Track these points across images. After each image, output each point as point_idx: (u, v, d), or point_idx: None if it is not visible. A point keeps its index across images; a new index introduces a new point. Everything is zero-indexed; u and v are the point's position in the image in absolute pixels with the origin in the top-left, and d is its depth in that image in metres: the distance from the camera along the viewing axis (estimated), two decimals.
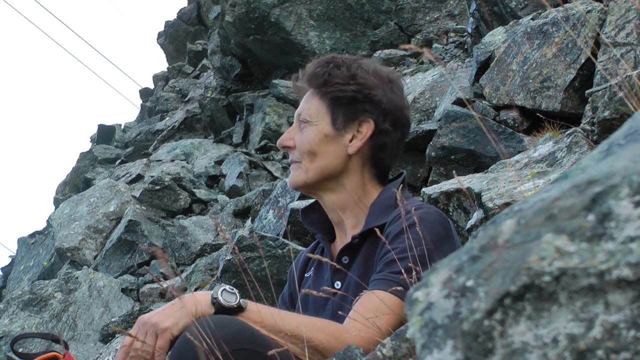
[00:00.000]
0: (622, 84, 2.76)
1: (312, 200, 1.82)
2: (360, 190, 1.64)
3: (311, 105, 1.63)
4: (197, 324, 1.26)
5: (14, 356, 1.50)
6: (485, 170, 3.36)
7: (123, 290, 7.01)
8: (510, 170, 3.02)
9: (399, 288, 1.43)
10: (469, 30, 6.85)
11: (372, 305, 1.42)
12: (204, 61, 14.96)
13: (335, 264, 1.38)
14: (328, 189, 1.66)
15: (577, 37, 4.10)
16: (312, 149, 1.61)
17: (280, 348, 1.25)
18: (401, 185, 1.63)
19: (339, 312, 1.49)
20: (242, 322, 1.38)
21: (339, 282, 1.61)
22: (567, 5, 4.45)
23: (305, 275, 1.74)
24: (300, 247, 4.03)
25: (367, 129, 1.61)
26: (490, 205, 2.69)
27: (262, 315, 1.37)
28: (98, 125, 15.26)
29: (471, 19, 6.60)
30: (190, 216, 8.13)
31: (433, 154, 4.76)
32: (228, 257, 4.16)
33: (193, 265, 6.67)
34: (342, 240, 1.68)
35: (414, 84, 7.30)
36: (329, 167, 1.62)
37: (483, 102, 4.84)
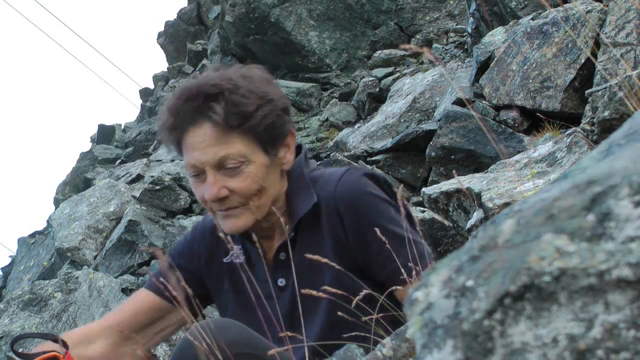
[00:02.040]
0: (622, 84, 2.76)
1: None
2: (280, 188, 1.57)
3: (234, 147, 1.45)
4: (198, 326, 1.25)
5: (14, 356, 1.50)
6: (485, 170, 3.36)
7: (123, 290, 7.01)
8: (510, 170, 3.02)
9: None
10: (469, 30, 6.85)
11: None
12: (204, 61, 14.95)
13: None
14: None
15: (577, 37, 4.10)
16: (260, 186, 1.49)
17: (281, 348, 1.25)
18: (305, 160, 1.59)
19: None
20: (242, 325, 1.37)
21: (282, 280, 1.57)
22: (567, 5, 4.45)
23: (225, 260, 1.64)
24: None
25: (291, 138, 1.54)
26: (490, 205, 2.69)
27: None
28: (98, 125, 15.26)
29: (471, 19, 6.60)
30: (191, 216, 8.14)
31: (433, 154, 4.76)
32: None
33: None
34: (268, 235, 1.59)
35: (414, 84, 7.31)
36: (275, 193, 1.53)
37: (483, 102, 4.84)
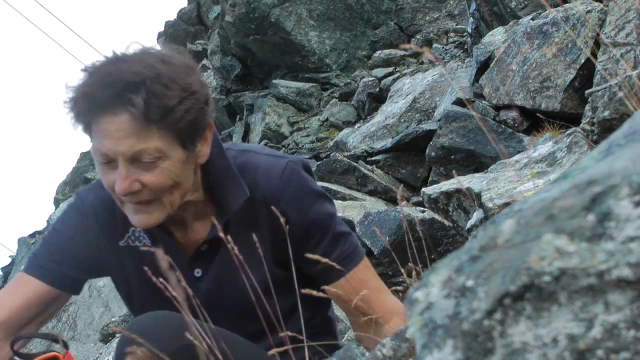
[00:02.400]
0: (622, 84, 2.76)
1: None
2: (193, 180, 1.49)
3: (152, 142, 1.36)
4: (133, 325, 1.24)
5: (14, 356, 1.49)
6: (485, 170, 3.36)
7: None
8: (510, 170, 3.02)
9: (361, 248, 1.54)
10: (469, 30, 6.85)
11: (360, 287, 1.49)
12: (204, 61, 14.95)
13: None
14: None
15: (577, 37, 4.10)
16: (174, 181, 1.41)
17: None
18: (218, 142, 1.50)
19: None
20: (181, 316, 1.37)
21: (199, 270, 1.54)
22: (567, 5, 4.45)
23: (120, 244, 1.56)
24: None
25: (210, 130, 1.46)
26: (490, 205, 2.69)
27: None
28: None
29: (471, 19, 6.61)
30: None
31: (433, 154, 4.76)
32: None
33: None
34: (182, 224, 1.53)
35: (414, 84, 7.31)
36: (188, 187, 1.45)
37: (483, 102, 4.84)
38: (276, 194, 1.48)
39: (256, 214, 1.49)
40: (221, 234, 1.31)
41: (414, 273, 1.36)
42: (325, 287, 1.42)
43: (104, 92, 1.32)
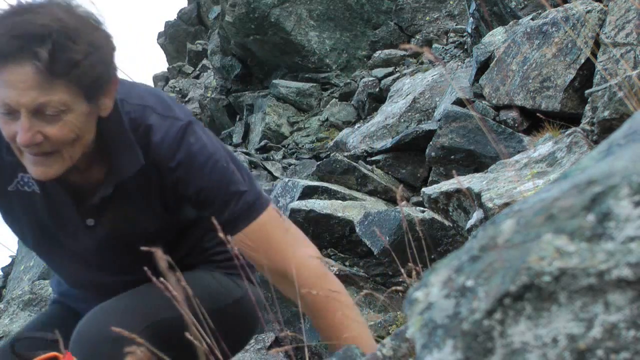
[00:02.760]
0: (622, 84, 2.76)
1: None
2: (93, 134, 1.47)
3: (57, 95, 1.35)
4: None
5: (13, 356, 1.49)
6: (485, 170, 3.36)
7: None
8: (510, 170, 3.02)
9: (266, 204, 1.53)
10: (469, 30, 6.85)
11: (266, 238, 1.51)
12: (204, 61, 14.96)
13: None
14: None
15: (577, 37, 4.10)
16: (77, 135, 1.41)
17: None
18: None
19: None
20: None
21: (91, 220, 1.55)
22: (567, 5, 4.45)
23: (9, 189, 1.56)
24: None
25: (114, 85, 1.45)
26: (490, 205, 2.69)
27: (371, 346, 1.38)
28: None
29: (471, 19, 6.61)
30: None
31: (433, 154, 4.76)
32: None
33: None
34: (77, 169, 1.52)
35: (414, 84, 7.31)
36: (89, 139, 1.45)
37: (483, 102, 4.84)
38: (168, 156, 1.48)
39: (149, 173, 1.50)
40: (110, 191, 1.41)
41: (414, 273, 1.36)
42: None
43: (10, 43, 1.31)
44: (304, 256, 1.52)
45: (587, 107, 3.54)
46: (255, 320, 1.76)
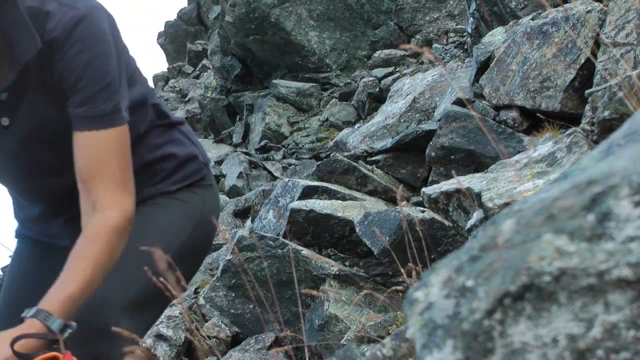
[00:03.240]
0: (622, 84, 2.76)
1: None
2: None
3: None
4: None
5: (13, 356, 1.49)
6: (485, 170, 3.36)
7: None
8: (510, 170, 3.02)
9: (119, 123, 1.47)
10: (469, 30, 6.85)
11: (99, 154, 1.45)
12: (204, 61, 14.96)
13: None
14: None
15: (577, 37, 4.10)
16: None
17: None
18: None
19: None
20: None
21: (6, 119, 1.54)
22: (567, 5, 4.45)
23: None
24: (300, 247, 4.03)
25: None
26: (490, 205, 2.69)
27: (63, 305, 1.33)
28: None
29: (471, 19, 6.61)
30: None
31: (433, 154, 4.76)
32: (228, 257, 4.17)
33: None
34: None
35: (414, 84, 7.31)
36: None
37: (483, 102, 4.84)
38: (60, 41, 1.46)
39: (45, 60, 1.48)
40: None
41: (414, 273, 1.36)
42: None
43: None
44: (109, 201, 1.44)
45: (587, 107, 3.54)
46: (211, 234, 1.74)
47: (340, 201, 4.54)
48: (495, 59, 4.88)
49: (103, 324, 1.37)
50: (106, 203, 1.43)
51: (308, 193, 4.78)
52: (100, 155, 1.45)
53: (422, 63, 8.47)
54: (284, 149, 9.39)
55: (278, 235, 4.38)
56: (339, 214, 4.23)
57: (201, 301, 4.36)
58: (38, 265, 1.78)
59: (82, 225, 1.44)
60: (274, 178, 8.78)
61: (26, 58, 1.46)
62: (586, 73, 4.11)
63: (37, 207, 1.73)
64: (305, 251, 3.97)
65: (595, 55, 3.81)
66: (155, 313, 1.59)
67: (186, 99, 13.82)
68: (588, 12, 4.00)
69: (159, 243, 1.29)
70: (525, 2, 5.64)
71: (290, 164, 8.63)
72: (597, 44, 3.86)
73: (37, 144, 1.56)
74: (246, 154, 9.56)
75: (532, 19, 4.81)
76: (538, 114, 4.07)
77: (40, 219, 1.75)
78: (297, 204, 4.41)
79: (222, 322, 4.11)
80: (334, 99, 9.65)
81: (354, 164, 5.30)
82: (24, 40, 1.45)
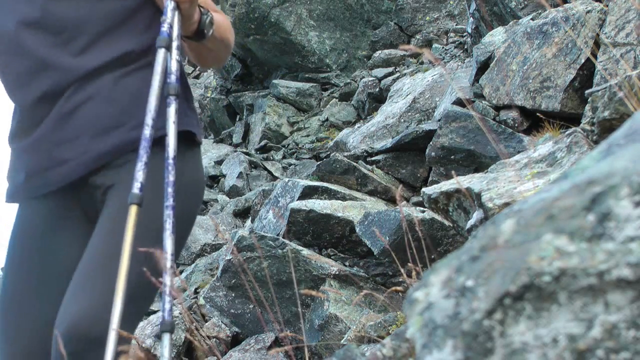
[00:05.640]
0: (622, 84, 2.76)
1: None
2: None
3: None
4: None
5: None
6: (485, 170, 3.36)
7: None
8: (510, 170, 3.02)
9: None
10: (469, 30, 6.85)
11: None
12: None
13: None
14: None
15: (577, 37, 4.10)
16: None
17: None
18: None
19: None
20: None
21: None
22: (567, 5, 4.45)
23: None
24: (300, 247, 4.03)
25: None
26: (490, 205, 2.69)
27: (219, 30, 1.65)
28: None
29: (471, 19, 6.61)
30: None
31: (433, 154, 4.76)
32: (228, 257, 4.17)
33: (193, 265, 6.67)
34: None
35: (414, 84, 7.31)
36: None
37: (483, 102, 4.84)
38: None
39: None
40: None
41: (414, 273, 1.36)
42: None
43: None
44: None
45: (587, 107, 3.54)
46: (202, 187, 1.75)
47: (340, 201, 4.54)
48: (495, 59, 4.88)
49: (98, 334, 1.35)
50: None
51: (308, 193, 4.78)
52: None
53: (422, 63, 8.47)
54: (284, 149, 9.39)
55: (278, 235, 4.38)
56: (339, 214, 4.23)
57: (201, 301, 4.35)
58: (51, 236, 1.61)
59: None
60: (274, 178, 8.78)
61: None
62: (586, 73, 4.11)
63: (38, 112, 1.60)
64: (305, 251, 3.97)
65: (595, 55, 3.81)
66: (146, 304, 1.60)
67: None
68: (588, 12, 4.00)
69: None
70: (525, 2, 5.64)
71: (290, 164, 8.63)
72: (597, 44, 3.86)
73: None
74: (246, 154, 9.56)
75: (532, 19, 4.81)
76: (538, 114, 4.08)
77: (41, 140, 1.58)
78: (297, 204, 4.41)
79: (222, 322, 4.11)
80: (334, 99, 9.65)
81: (354, 164, 5.30)
82: None
